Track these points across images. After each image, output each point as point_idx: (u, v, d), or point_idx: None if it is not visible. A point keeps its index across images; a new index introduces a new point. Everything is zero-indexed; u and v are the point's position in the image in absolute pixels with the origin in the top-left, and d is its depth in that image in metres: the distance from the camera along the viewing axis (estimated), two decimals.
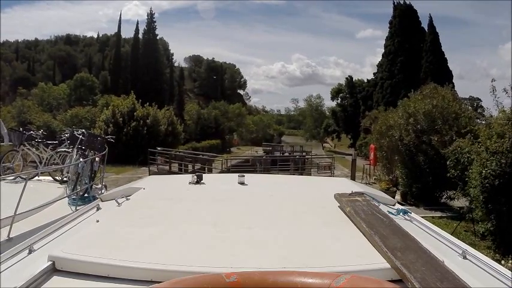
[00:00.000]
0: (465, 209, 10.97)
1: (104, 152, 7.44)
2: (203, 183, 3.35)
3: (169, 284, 1.34)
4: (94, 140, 7.79)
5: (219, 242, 1.92)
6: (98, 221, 2.27)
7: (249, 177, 3.46)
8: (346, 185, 3.46)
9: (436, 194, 14.52)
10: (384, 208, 2.60)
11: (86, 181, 6.77)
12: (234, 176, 3.47)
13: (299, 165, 22.55)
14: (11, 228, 4.34)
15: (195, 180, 3.35)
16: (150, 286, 1.39)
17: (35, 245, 2.00)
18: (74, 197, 6.26)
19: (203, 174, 3.50)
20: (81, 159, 6.91)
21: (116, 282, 1.56)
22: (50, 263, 1.67)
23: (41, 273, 1.60)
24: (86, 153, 7.32)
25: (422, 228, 2.42)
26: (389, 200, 3.13)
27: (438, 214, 13.17)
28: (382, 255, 1.73)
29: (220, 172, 18.78)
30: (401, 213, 2.60)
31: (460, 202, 12.49)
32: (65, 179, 7.47)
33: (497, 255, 8.36)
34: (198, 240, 1.95)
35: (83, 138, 7.67)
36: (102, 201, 2.89)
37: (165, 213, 2.47)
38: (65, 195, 6.23)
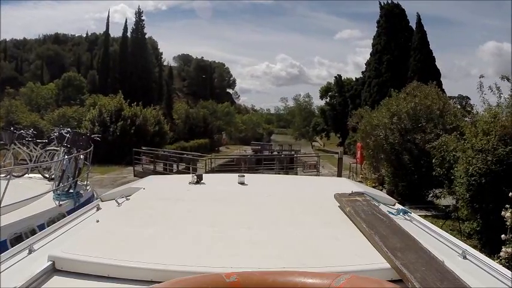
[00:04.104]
0: (451, 208, 10.91)
1: (88, 150, 7.63)
2: (203, 183, 3.37)
3: (169, 284, 1.36)
4: (78, 139, 7.94)
5: (219, 242, 1.94)
6: (98, 221, 2.28)
7: (249, 177, 3.48)
8: (346, 185, 3.47)
9: (422, 192, 14.49)
10: (384, 208, 2.62)
11: (70, 177, 6.93)
12: (234, 176, 3.49)
13: (284, 164, 22.39)
14: None
15: (195, 180, 3.37)
16: (150, 286, 1.41)
17: (35, 245, 2.01)
18: (59, 192, 6.50)
19: (203, 174, 3.53)
20: (65, 157, 7.10)
21: (116, 282, 1.57)
22: (50, 263, 1.67)
23: (41, 273, 1.61)
24: (72, 151, 7.45)
25: (422, 228, 2.44)
26: (389, 200, 3.15)
27: (424, 213, 13.10)
28: (382, 255, 1.74)
29: (205, 172, 18.62)
30: (401, 213, 2.62)
31: (447, 200, 12.45)
32: (53, 176, 7.64)
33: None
34: (198, 240, 1.95)
35: (69, 137, 7.85)
36: (102, 201, 2.91)
37: (165, 213, 2.49)
38: (49, 191, 6.54)
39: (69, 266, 1.66)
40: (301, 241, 1.98)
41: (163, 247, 1.86)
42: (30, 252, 1.94)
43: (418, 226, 2.46)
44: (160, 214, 2.45)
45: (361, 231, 2.07)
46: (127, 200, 2.80)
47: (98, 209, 2.70)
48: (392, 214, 2.49)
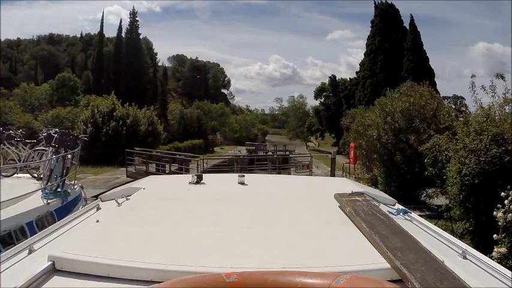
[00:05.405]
0: (443, 208, 10.87)
1: (76, 150, 7.84)
2: (203, 183, 3.39)
3: (169, 284, 1.37)
4: (66, 139, 8.11)
5: (219, 242, 1.94)
6: (98, 221, 2.29)
7: (249, 177, 3.49)
8: (346, 185, 3.49)
9: (415, 192, 14.45)
10: (384, 208, 2.63)
11: (58, 177, 7.11)
12: (234, 176, 3.52)
13: (276, 165, 22.33)
14: None
15: (195, 180, 3.39)
16: (151, 286, 1.41)
17: (35, 245, 2.01)
18: (47, 191, 6.70)
19: (203, 174, 3.54)
20: (53, 157, 7.28)
21: (116, 282, 1.57)
22: (50, 263, 1.68)
23: (41, 273, 1.61)
24: (59, 151, 7.60)
25: (422, 228, 2.45)
26: (389, 200, 3.17)
27: (417, 213, 12.99)
28: (382, 255, 1.74)
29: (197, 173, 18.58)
30: (401, 213, 2.64)
31: (440, 200, 12.41)
32: (41, 175, 7.82)
33: None
34: (198, 240, 1.96)
35: (57, 137, 8.05)
36: (102, 201, 2.91)
37: (165, 213, 2.50)
38: (37, 189, 6.72)
39: (69, 266, 1.66)
40: (301, 241, 1.98)
41: (163, 247, 1.87)
42: (30, 252, 1.94)
43: (418, 226, 2.48)
44: (160, 214, 2.46)
45: (361, 231, 2.08)
46: (127, 200, 2.80)
47: (98, 209, 2.70)
48: (393, 214, 2.50)
